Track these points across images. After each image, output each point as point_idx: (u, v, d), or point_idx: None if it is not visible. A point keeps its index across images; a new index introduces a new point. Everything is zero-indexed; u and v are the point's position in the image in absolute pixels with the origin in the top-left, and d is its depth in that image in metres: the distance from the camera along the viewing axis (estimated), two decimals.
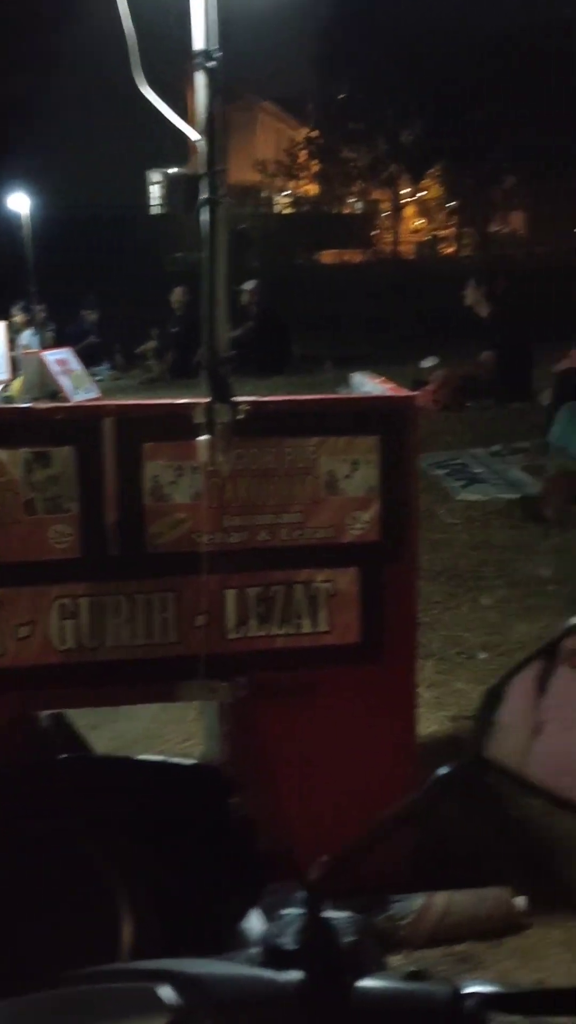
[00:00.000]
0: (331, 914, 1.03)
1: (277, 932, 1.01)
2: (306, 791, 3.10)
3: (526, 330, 11.44)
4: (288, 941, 1.00)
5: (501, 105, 33.32)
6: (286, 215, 37.15)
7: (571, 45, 32.57)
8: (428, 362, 11.53)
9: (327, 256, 34.09)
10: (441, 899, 3.06)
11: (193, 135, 2.97)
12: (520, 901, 3.07)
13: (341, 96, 36.99)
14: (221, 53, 2.94)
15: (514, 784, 1.02)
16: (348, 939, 1.00)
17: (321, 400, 3.34)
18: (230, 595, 3.04)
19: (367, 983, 0.96)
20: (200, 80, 2.95)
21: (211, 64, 2.94)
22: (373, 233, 39.52)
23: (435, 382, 10.77)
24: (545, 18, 32.31)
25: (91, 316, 17.59)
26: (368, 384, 3.77)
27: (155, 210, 34.46)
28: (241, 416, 2.95)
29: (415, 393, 3.27)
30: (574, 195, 37.11)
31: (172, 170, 31.26)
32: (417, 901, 3.05)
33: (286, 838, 2.87)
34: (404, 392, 3.24)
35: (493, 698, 1.07)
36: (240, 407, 2.95)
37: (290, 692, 3.09)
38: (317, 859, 1.05)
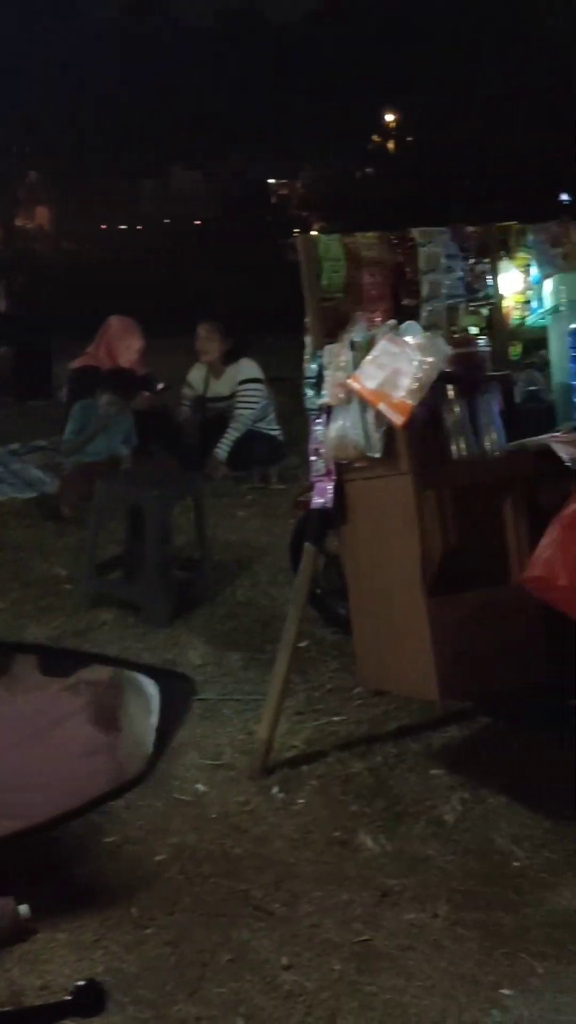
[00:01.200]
0: None
1: None
2: None
3: (46, 326, 11.36)
4: None
5: (26, 98, 33.14)
6: None
7: (91, 43, 32.99)
8: None
9: None
10: None
11: None
12: (23, 909, 3.06)
13: None
14: None
15: None
16: None
17: None
18: None
19: None
20: None
21: None
22: None
23: None
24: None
25: None
26: None
27: None
28: None
29: None
30: (102, 192, 37.59)
31: None
32: None
33: None
34: None
35: None
36: None
37: None
38: None
